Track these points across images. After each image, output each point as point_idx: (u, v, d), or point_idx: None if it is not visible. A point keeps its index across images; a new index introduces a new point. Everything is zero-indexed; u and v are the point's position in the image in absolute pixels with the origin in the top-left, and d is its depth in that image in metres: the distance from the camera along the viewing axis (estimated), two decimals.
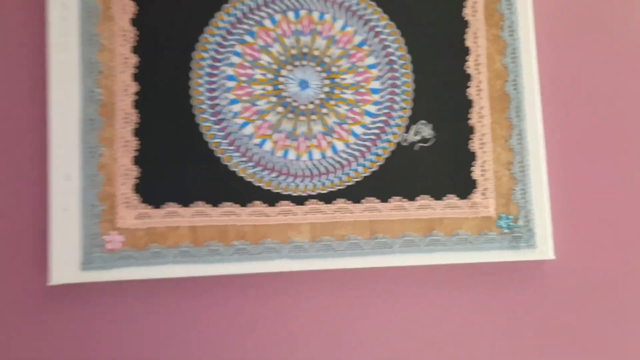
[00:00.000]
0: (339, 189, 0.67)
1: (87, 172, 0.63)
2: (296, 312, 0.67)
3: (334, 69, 0.68)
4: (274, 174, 0.66)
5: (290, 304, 0.67)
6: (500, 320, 0.70)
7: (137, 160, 0.64)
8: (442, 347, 0.69)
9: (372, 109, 0.68)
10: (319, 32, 0.68)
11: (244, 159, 0.66)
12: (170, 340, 0.65)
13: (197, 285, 0.66)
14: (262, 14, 0.67)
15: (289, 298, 0.67)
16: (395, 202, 0.68)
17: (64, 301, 0.63)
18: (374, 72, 0.69)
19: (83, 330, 0.64)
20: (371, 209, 0.67)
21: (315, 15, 0.68)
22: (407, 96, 0.69)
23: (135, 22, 0.65)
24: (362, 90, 0.68)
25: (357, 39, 0.69)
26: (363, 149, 0.68)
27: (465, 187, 0.69)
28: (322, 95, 0.68)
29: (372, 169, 0.68)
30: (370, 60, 0.69)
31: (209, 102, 0.66)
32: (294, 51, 0.67)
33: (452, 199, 0.68)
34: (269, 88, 0.67)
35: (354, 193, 0.67)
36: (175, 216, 0.64)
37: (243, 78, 0.66)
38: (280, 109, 0.67)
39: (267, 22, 0.67)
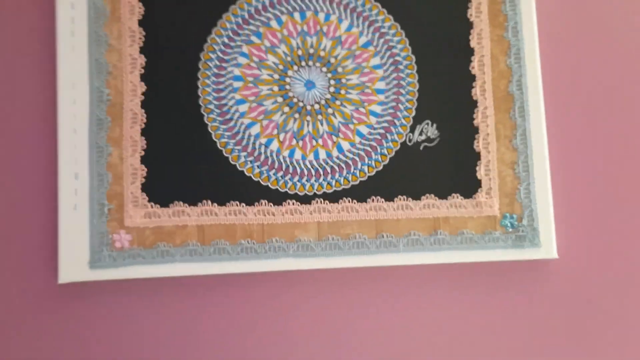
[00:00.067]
0: (345, 189, 0.68)
1: (96, 171, 0.63)
2: (302, 310, 0.68)
3: (339, 70, 0.69)
4: (280, 174, 0.67)
5: (297, 302, 0.68)
6: (504, 319, 0.71)
7: (145, 160, 0.64)
8: (446, 345, 0.70)
9: (377, 109, 0.69)
10: (325, 33, 0.69)
11: (250, 158, 0.66)
12: (177, 338, 0.65)
13: (204, 284, 0.66)
14: (269, 15, 0.68)
15: (295, 296, 0.68)
16: (401, 201, 0.68)
17: (72, 299, 0.64)
18: (379, 72, 0.69)
19: (91, 328, 0.64)
20: (377, 208, 0.68)
21: (321, 16, 0.69)
22: (412, 96, 0.70)
23: (142, 22, 0.65)
24: (367, 90, 0.69)
25: (363, 39, 0.69)
26: (368, 148, 0.69)
27: (469, 187, 0.69)
28: (328, 96, 0.68)
29: (378, 169, 0.68)
30: (376, 60, 0.69)
31: (216, 102, 0.66)
32: (300, 52, 0.68)
33: (456, 199, 0.69)
34: (276, 88, 0.67)
35: (360, 192, 0.68)
36: (183, 215, 0.65)
37: (250, 78, 0.67)
38: (286, 109, 0.68)
39: (274, 23, 0.68)
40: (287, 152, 0.67)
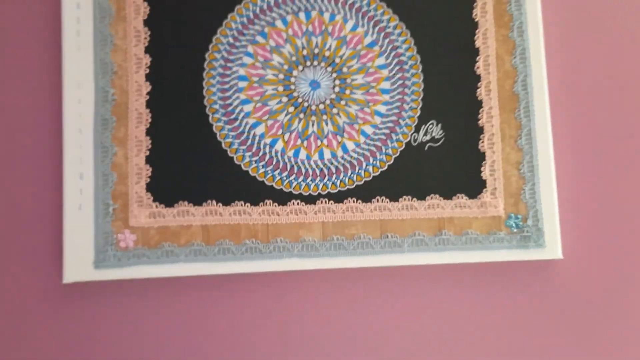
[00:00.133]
0: (350, 189, 0.68)
1: (101, 171, 0.63)
2: (307, 310, 0.68)
3: (344, 70, 0.69)
4: (285, 174, 0.67)
5: (301, 302, 0.68)
6: (508, 319, 0.71)
7: (150, 160, 0.65)
8: (450, 345, 0.70)
9: (382, 109, 0.69)
10: (330, 32, 0.69)
11: (255, 158, 0.66)
12: (181, 338, 0.65)
13: (208, 284, 0.66)
14: (274, 14, 0.68)
15: (299, 296, 0.68)
16: (405, 201, 0.68)
17: (77, 299, 0.64)
18: (384, 72, 0.69)
19: (96, 328, 0.64)
20: (381, 209, 0.68)
21: (326, 16, 0.69)
22: (417, 96, 0.70)
23: (148, 22, 0.66)
24: (372, 90, 0.69)
25: (368, 39, 0.69)
26: (373, 148, 0.69)
27: (474, 187, 0.69)
28: (333, 96, 0.68)
29: (382, 169, 0.68)
30: (381, 60, 0.69)
31: (221, 102, 0.66)
32: (305, 52, 0.68)
33: (461, 199, 0.69)
34: (280, 88, 0.67)
35: (364, 192, 0.68)
36: (187, 215, 0.65)
37: (255, 78, 0.67)
38: (291, 109, 0.68)
39: (279, 23, 0.68)
40: (291, 152, 0.67)
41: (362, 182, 0.68)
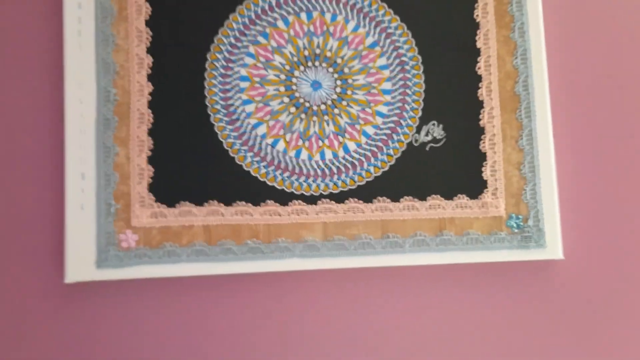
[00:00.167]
0: (351, 189, 0.68)
1: (103, 171, 0.63)
2: (308, 310, 0.68)
3: (346, 70, 0.69)
4: (286, 174, 0.67)
5: (302, 302, 0.68)
6: (509, 319, 0.71)
7: (152, 160, 0.65)
8: (451, 345, 0.70)
9: (383, 109, 0.69)
10: (332, 33, 0.69)
11: (257, 158, 0.67)
12: (183, 338, 0.66)
13: (210, 284, 0.66)
14: (276, 15, 0.68)
15: (301, 296, 0.68)
16: (407, 201, 0.68)
17: (79, 299, 0.64)
18: (386, 73, 0.69)
19: (98, 328, 0.64)
20: (382, 209, 0.68)
21: (328, 16, 0.69)
22: (418, 97, 0.70)
23: (149, 22, 0.66)
24: (373, 91, 0.69)
25: (369, 40, 0.69)
26: (374, 149, 0.69)
27: (475, 187, 0.69)
28: (334, 96, 0.68)
29: (384, 169, 0.69)
30: (382, 61, 0.69)
31: (222, 102, 0.66)
32: (306, 52, 0.68)
33: (462, 199, 0.69)
34: (282, 89, 0.68)
35: (366, 193, 0.68)
36: (189, 215, 0.65)
37: (256, 79, 0.67)
38: (293, 109, 0.68)
39: (280, 24, 0.68)
40: (293, 152, 0.67)
41: (363, 183, 0.68)
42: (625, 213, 0.74)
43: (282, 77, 0.68)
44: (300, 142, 0.67)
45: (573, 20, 0.75)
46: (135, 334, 0.65)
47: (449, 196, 0.69)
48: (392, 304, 0.69)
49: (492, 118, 0.70)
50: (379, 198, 0.68)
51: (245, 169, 0.66)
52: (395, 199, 0.68)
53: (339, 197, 0.67)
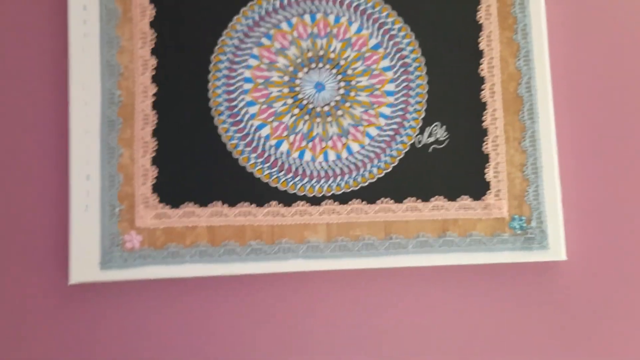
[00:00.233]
0: (354, 190, 0.68)
1: (107, 172, 0.64)
2: (311, 311, 0.68)
3: (349, 72, 0.69)
4: (290, 175, 0.67)
5: (305, 303, 0.68)
6: (512, 321, 0.71)
7: (156, 161, 0.65)
8: (455, 346, 0.70)
9: (386, 111, 0.69)
10: (335, 35, 0.69)
11: (260, 160, 0.67)
12: (186, 339, 0.66)
13: (213, 284, 0.66)
14: (279, 17, 0.68)
15: (304, 297, 0.68)
16: (410, 203, 0.68)
17: (83, 300, 0.64)
18: (389, 74, 0.69)
19: (102, 328, 0.64)
20: (386, 210, 0.68)
21: (331, 18, 0.69)
22: (421, 98, 0.70)
23: (154, 24, 0.66)
24: (377, 92, 0.69)
25: (372, 41, 0.69)
26: (378, 150, 0.69)
27: (478, 189, 0.70)
28: (338, 98, 0.69)
29: (387, 170, 0.69)
30: (385, 62, 0.69)
31: (226, 103, 0.67)
32: (310, 54, 0.68)
33: (465, 200, 0.69)
34: (286, 90, 0.68)
35: (369, 194, 0.68)
36: (193, 216, 0.65)
37: (260, 80, 0.67)
38: (296, 110, 0.68)
39: (284, 25, 0.68)
40: (296, 153, 0.67)
41: (366, 184, 0.68)
42: (629, 214, 0.74)
43: (286, 78, 0.68)
44: (303, 144, 0.68)
45: (576, 22, 0.75)
46: (139, 335, 0.65)
47: (452, 197, 0.69)
48: (395, 304, 0.69)
49: (495, 120, 0.70)
50: (382, 199, 0.68)
51: (249, 170, 0.66)
52: (399, 200, 0.68)
53: (342, 198, 0.68)
